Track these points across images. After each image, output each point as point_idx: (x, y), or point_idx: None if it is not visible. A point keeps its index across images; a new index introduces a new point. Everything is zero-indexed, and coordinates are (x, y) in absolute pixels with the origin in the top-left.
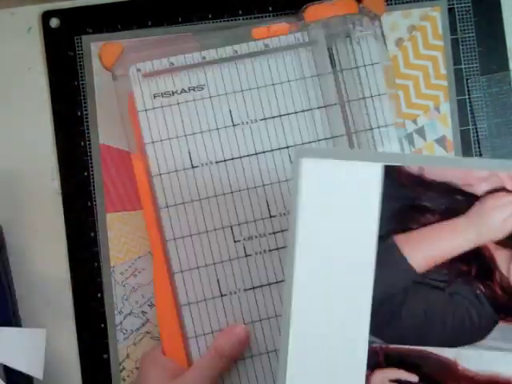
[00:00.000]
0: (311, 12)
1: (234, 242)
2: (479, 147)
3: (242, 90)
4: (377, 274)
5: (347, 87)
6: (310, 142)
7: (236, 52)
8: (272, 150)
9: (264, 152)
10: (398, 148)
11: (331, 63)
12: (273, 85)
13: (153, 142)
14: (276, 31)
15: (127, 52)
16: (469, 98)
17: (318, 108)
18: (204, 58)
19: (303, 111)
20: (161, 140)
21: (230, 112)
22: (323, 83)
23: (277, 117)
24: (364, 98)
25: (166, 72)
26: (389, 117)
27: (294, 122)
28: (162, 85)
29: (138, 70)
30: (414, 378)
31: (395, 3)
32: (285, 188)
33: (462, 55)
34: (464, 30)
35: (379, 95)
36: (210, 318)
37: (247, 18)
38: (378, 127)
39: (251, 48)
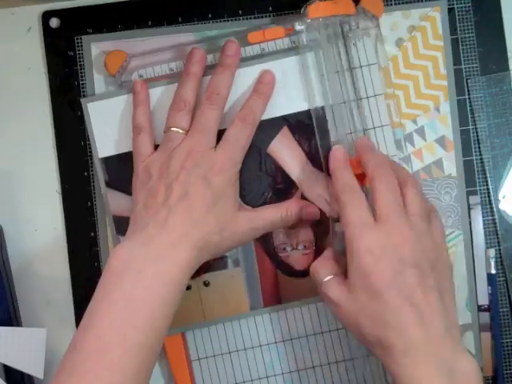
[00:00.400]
0: (313, 10)
1: None
2: (479, 147)
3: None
4: None
5: (342, 89)
6: None
7: None
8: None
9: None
10: (395, 148)
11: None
12: None
13: None
14: (271, 35)
15: (130, 59)
16: (469, 98)
17: (314, 109)
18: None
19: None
20: None
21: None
22: (318, 85)
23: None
24: (360, 98)
25: (166, 77)
26: (384, 117)
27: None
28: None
29: (141, 76)
30: None
31: (395, 3)
32: None
33: (461, 55)
34: (464, 30)
35: (375, 96)
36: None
37: (247, 18)
38: (374, 128)
39: (247, 52)
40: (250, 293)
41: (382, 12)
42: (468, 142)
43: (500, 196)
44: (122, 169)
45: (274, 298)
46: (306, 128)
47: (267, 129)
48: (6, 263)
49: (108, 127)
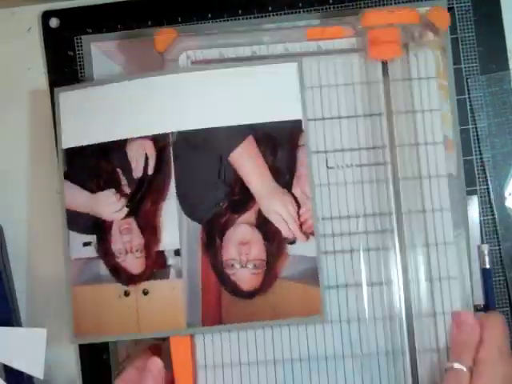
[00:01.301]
0: (368, 18)
1: None
2: (479, 146)
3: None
4: None
5: (397, 98)
6: (351, 150)
7: (287, 50)
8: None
9: None
10: (444, 168)
11: (383, 72)
12: (320, 87)
13: None
14: (330, 34)
15: (181, 39)
16: (469, 98)
17: (364, 116)
18: (254, 52)
19: (348, 117)
20: None
21: None
22: (372, 91)
23: (319, 120)
24: (413, 111)
25: (215, 62)
26: (438, 134)
27: (336, 127)
28: None
29: (189, 57)
30: None
31: (395, 3)
32: None
33: (461, 54)
34: (464, 29)
35: (430, 110)
36: None
37: (247, 18)
38: (426, 143)
39: (303, 48)
40: (188, 308)
41: (448, 25)
42: (468, 142)
43: (506, 193)
44: (82, 162)
45: (215, 317)
46: (273, 141)
47: (231, 135)
48: (6, 263)
49: (76, 118)
